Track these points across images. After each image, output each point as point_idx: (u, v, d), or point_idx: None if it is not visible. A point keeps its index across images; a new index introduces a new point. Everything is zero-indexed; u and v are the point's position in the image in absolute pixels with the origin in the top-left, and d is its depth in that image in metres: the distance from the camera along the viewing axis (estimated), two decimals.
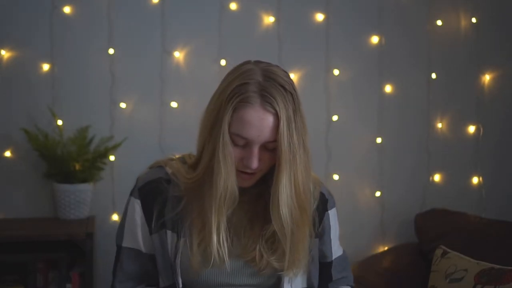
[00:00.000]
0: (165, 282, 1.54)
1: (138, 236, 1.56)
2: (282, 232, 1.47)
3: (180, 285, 1.51)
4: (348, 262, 1.71)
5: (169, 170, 1.56)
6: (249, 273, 1.53)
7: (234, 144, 1.44)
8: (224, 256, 1.48)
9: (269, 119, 1.42)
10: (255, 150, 1.44)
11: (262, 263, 1.50)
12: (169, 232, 1.52)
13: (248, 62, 1.51)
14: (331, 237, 1.64)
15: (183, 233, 1.51)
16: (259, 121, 1.42)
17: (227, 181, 1.44)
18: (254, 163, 1.44)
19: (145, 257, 1.57)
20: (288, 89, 1.44)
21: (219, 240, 1.48)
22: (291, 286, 1.55)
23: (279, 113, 1.41)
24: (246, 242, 1.52)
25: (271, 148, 1.45)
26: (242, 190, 1.51)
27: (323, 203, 1.61)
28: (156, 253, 1.54)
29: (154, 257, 1.55)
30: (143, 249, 1.56)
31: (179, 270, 1.51)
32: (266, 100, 1.41)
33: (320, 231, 1.60)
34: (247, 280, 1.53)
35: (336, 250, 1.66)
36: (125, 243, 1.58)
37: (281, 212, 1.45)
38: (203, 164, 1.49)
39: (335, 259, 1.65)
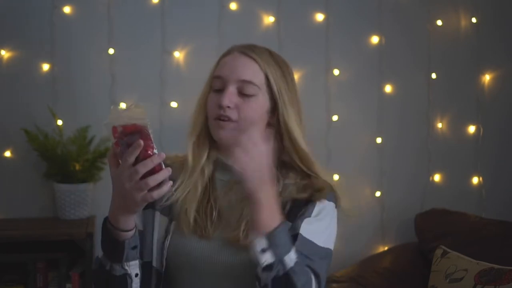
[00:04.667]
0: (143, 258, 1.53)
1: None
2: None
3: (164, 267, 1.50)
4: (323, 257, 1.51)
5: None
6: (232, 252, 1.48)
7: (214, 90, 1.53)
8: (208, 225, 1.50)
9: (245, 59, 1.52)
10: (229, 88, 1.51)
11: (246, 241, 1.44)
12: (157, 214, 1.54)
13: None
14: (311, 217, 1.52)
15: (175, 215, 1.53)
16: (234, 60, 1.52)
17: (198, 118, 1.56)
18: (225, 100, 1.49)
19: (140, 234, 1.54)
20: (274, 55, 1.56)
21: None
22: None
23: (257, 59, 1.52)
24: (233, 220, 1.51)
25: (247, 93, 1.50)
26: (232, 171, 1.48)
27: (319, 194, 1.59)
28: (144, 229, 1.54)
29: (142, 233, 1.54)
30: (140, 226, 1.54)
31: (165, 252, 1.50)
32: (245, 49, 1.54)
33: (302, 212, 1.52)
34: (230, 258, 1.49)
35: (311, 233, 1.49)
36: None
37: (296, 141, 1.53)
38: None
39: (302, 236, 1.47)
